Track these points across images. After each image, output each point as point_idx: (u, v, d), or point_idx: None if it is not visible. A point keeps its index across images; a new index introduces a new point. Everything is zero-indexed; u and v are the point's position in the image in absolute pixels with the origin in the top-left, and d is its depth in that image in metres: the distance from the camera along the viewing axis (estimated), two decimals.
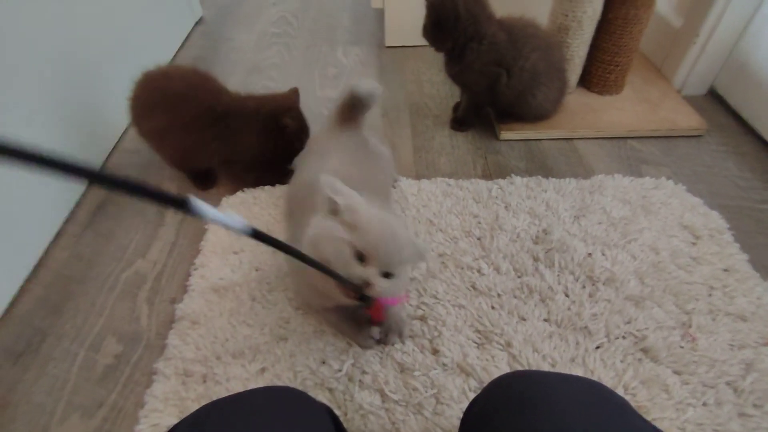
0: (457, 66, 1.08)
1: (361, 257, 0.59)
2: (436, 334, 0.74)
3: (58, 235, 0.94)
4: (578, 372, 0.70)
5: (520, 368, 0.70)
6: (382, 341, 0.73)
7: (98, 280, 0.86)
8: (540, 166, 1.08)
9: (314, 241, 0.60)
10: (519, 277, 0.82)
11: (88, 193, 1.03)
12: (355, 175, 0.76)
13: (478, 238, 0.89)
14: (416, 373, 0.69)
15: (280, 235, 0.88)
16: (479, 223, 0.92)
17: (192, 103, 0.92)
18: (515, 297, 0.79)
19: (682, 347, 0.72)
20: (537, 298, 0.79)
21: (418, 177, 1.05)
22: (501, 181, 1.01)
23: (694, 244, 0.88)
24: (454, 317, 0.76)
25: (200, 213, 0.34)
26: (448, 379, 0.69)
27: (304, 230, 0.64)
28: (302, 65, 1.50)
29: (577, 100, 1.24)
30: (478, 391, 0.57)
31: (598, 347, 0.73)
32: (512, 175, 1.03)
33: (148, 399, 0.68)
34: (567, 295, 0.79)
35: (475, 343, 0.73)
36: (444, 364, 0.71)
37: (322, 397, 0.67)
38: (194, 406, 0.65)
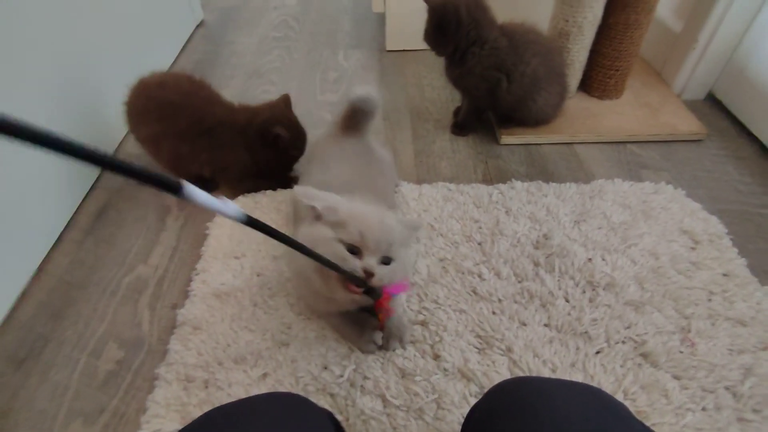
0: (457, 70, 1.08)
1: (354, 250, 0.60)
2: (437, 339, 0.74)
3: (60, 241, 0.95)
4: (578, 377, 0.70)
5: (520, 373, 0.70)
6: (384, 346, 0.73)
7: (100, 286, 0.86)
8: (540, 171, 1.09)
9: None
10: (519, 282, 0.83)
11: (90, 198, 1.04)
12: (358, 181, 0.77)
13: (479, 243, 0.89)
14: (417, 378, 0.70)
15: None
16: (480, 227, 0.92)
17: (183, 114, 0.92)
18: (516, 302, 0.80)
19: (681, 352, 0.72)
20: (537, 303, 0.79)
21: (419, 181, 1.05)
22: (502, 186, 1.01)
23: (693, 248, 0.88)
24: (455, 322, 0.77)
25: (193, 198, 0.34)
26: (449, 384, 0.69)
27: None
28: (303, 69, 1.51)
29: (577, 104, 1.24)
30: (479, 397, 0.57)
31: (598, 352, 0.73)
32: (513, 179, 1.03)
33: (150, 405, 0.68)
34: (567, 300, 0.80)
35: (476, 348, 0.74)
36: (445, 369, 0.71)
37: (323, 402, 0.67)
38: (196, 412, 0.66)
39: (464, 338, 0.74)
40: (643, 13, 1.10)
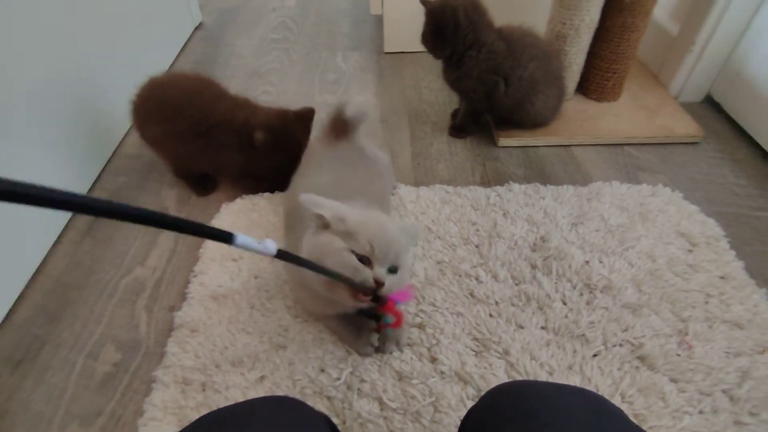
0: (455, 73, 1.09)
1: (363, 260, 0.61)
2: (434, 342, 0.74)
3: (57, 242, 0.94)
4: (576, 380, 0.70)
5: (517, 376, 0.70)
6: (380, 349, 0.73)
7: (97, 287, 0.86)
8: (538, 173, 1.09)
9: (317, 258, 0.61)
10: (517, 284, 0.83)
11: None
12: (351, 185, 0.77)
13: (476, 246, 0.90)
14: (414, 381, 0.70)
15: (279, 243, 0.89)
16: (477, 230, 0.92)
17: (186, 113, 0.92)
18: (513, 305, 0.80)
19: (678, 355, 0.73)
20: (534, 306, 0.79)
21: (416, 184, 1.05)
22: (499, 188, 1.02)
23: (690, 251, 0.88)
24: (453, 325, 0.77)
25: (241, 245, 0.37)
26: (446, 387, 0.69)
27: (301, 243, 0.66)
28: (302, 70, 1.51)
29: (575, 107, 1.24)
30: (476, 400, 0.57)
31: (595, 355, 0.73)
32: (510, 182, 1.04)
33: (147, 407, 0.68)
34: (564, 303, 0.80)
35: (473, 351, 0.74)
36: (442, 372, 0.71)
37: (320, 405, 0.67)
38: (193, 415, 0.66)
39: (461, 341, 0.74)
40: (639, 16, 1.11)
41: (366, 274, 0.60)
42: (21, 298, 0.85)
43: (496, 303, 0.80)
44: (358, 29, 1.74)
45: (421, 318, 0.78)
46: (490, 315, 0.78)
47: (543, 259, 0.86)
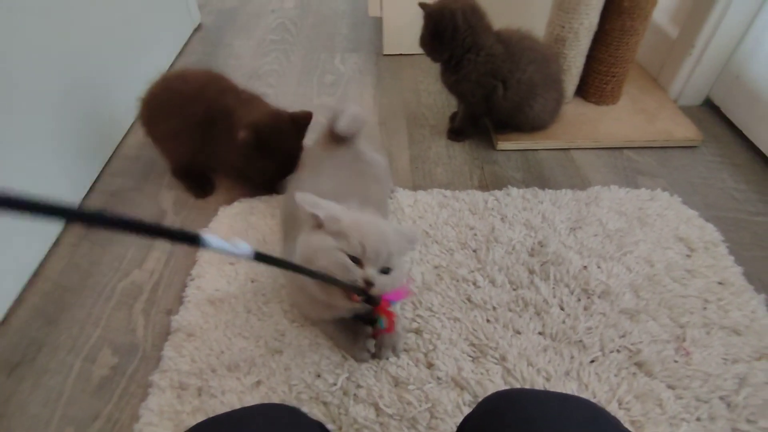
0: (453, 76, 1.08)
1: (355, 260, 0.61)
2: (431, 347, 0.74)
3: (55, 245, 0.94)
4: (573, 386, 0.70)
5: (514, 382, 0.70)
6: (377, 355, 0.73)
7: (95, 290, 0.86)
8: (537, 177, 1.09)
9: (309, 257, 0.62)
10: (514, 290, 0.83)
11: (86, 201, 1.04)
12: (348, 188, 0.77)
13: (474, 250, 0.89)
14: (411, 387, 0.69)
15: (277, 246, 0.90)
16: (475, 234, 0.92)
17: (192, 107, 0.94)
18: (510, 310, 0.79)
19: (676, 361, 0.72)
20: (532, 311, 0.79)
21: (414, 188, 1.05)
22: (497, 193, 1.01)
23: (689, 256, 0.88)
24: (449, 330, 0.77)
25: (210, 245, 0.36)
26: (442, 393, 0.69)
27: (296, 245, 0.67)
28: (300, 72, 1.51)
29: (574, 110, 1.24)
30: (473, 406, 0.57)
31: (592, 361, 0.73)
32: (509, 186, 1.03)
33: (143, 412, 0.68)
34: (562, 309, 0.80)
35: (470, 356, 0.74)
36: (438, 378, 0.71)
37: (316, 410, 0.67)
38: (189, 420, 0.66)
39: (458, 347, 0.74)
40: (638, 20, 1.11)
41: (356, 274, 0.60)
42: (18, 300, 0.85)
43: (494, 308, 0.80)
44: (357, 31, 1.74)
45: (418, 323, 0.78)
46: (488, 320, 0.78)
47: (541, 264, 0.86)
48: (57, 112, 0.97)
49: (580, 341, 0.75)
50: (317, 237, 0.63)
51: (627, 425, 0.46)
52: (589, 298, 0.81)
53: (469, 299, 0.81)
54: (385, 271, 0.63)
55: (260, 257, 0.42)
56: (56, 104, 0.96)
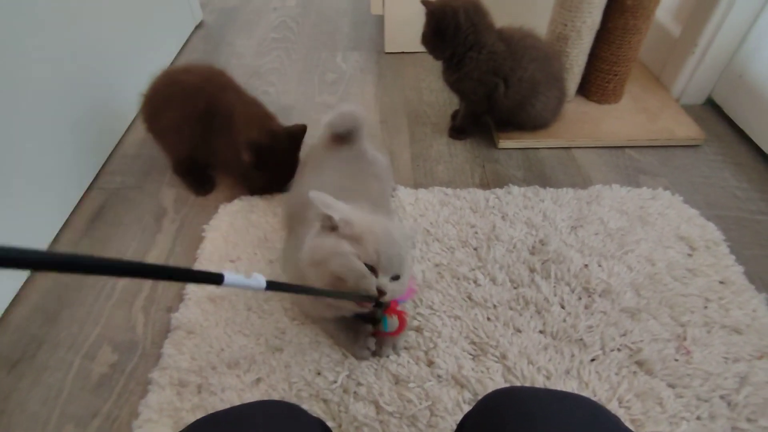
0: (455, 74, 1.08)
1: (368, 268, 0.61)
2: (431, 345, 0.74)
3: (55, 242, 0.94)
4: (573, 384, 0.70)
5: (515, 380, 0.70)
6: (377, 353, 0.73)
7: (95, 288, 0.86)
8: (538, 175, 1.08)
9: (320, 259, 0.62)
10: (515, 288, 0.83)
11: (86, 199, 1.04)
12: (351, 187, 0.77)
13: (475, 249, 0.89)
14: (411, 385, 0.69)
15: (278, 244, 0.89)
16: (476, 233, 0.92)
17: (194, 99, 0.95)
18: (511, 308, 0.79)
19: (676, 360, 0.72)
20: (533, 310, 0.79)
21: (415, 186, 1.05)
22: (498, 191, 1.01)
23: (690, 255, 0.88)
24: (450, 328, 0.76)
25: (232, 283, 0.38)
26: (442, 390, 0.69)
27: (302, 243, 0.66)
28: (302, 70, 1.50)
29: (575, 109, 1.24)
30: (473, 404, 0.57)
31: (593, 360, 0.73)
32: (510, 184, 1.03)
33: (143, 409, 0.68)
34: (563, 307, 0.79)
35: (471, 354, 0.73)
36: (439, 376, 0.71)
37: (317, 408, 0.67)
38: (189, 417, 0.66)
39: (459, 345, 0.74)
40: (641, 18, 1.10)
41: (371, 283, 0.60)
42: (18, 297, 0.84)
43: (494, 306, 0.79)
44: (359, 29, 1.74)
45: (419, 321, 0.78)
46: (488, 318, 0.78)
47: (542, 263, 0.86)
48: (56, 109, 0.96)
49: (581, 340, 0.75)
50: (331, 241, 0.62)
51: (627, 424, 0.45)
52: (590, 296, 0.81)
53: (469, 297, 0.81)
54: (395, 277, 0.63)
55: (272, 286, 0.44)
56: (55, 101, 0.96)
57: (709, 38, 1.18)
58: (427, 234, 0.92)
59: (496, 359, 0.73)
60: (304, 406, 0.67)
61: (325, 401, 0.68)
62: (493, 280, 0.83)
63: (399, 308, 0.69)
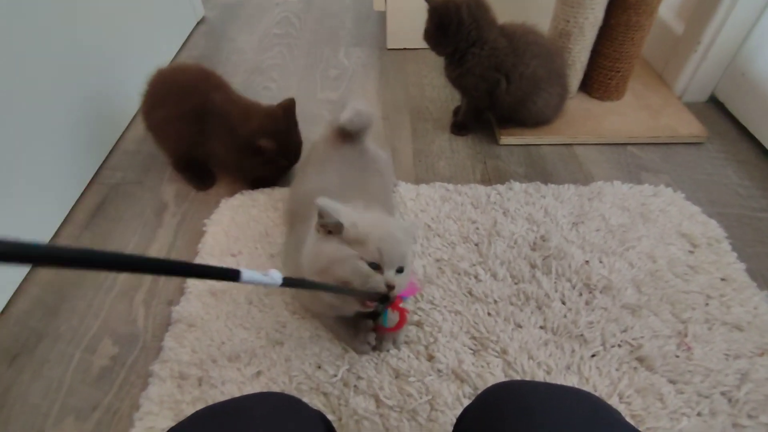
0: (457, 70, 1.08)
1: (373, 266, 0.61)
2: (431, 340, 0.74)
3: (56, 236, 0.94)
4: (573, 380, 0.70)
5: (515, 375, 0.70)
6: (377, 347, 0.73)
7: (95, 282, 0.86)
8: (539, 172, 1.08)
9: (324, 267, 0.62)
10: (516, 283, 0.82)
11: (87, 193, 1.04)
12: (354, 184, 0.77)
13: (476, 244, 0.89)
14: (411, 379, 0.69)
15: (279, 239, 0.89)
16: (477, 228, 0.92)
17: (187, 98, 0.95)
18: (512, 304, 0.79)
19: (677, 356, 0.72)
20: (533, 305, 0.79)
21: (417, 181, 1.05)
22: (500, 187, 1.01)
23: (691, 252, 0.88)
24: (450, 323, 0.76)
25: (248, 280, 0.37)
26: (442, 385, 0.69)
27: (304, 239, 0.67)
28: (304, 66, 1.50)
29: (577, 105, 1.23)
30: (473, 398, 0.57)
31: (593, 355, 0.73)
32: (511, 180, 1.03)
33: (143, 402, 0.68)
34: (563, 303, 0.79)
35: (471, 349, 0.73)
36: (439, 371, 0.71)
37: (317, 401, 0.67)
38: (189, 409, 0.66)
39: (459, 339, 0.74)
40: (644, 15, 1.10)
41: (378, 281, 0.60)
42: (19, 290, 0.85)
43: (495, 302, 0.79)
44: (361, 25, 1.74)
45: (419, 316, 0.78)
46: (489, 314, 0.78)
47: (543, 259, 0.86)
48: (57, 104, 0.97)
49: (582, 335, 0.75)
50: (331, 246, 0.62)
51: (628, 419, 0.46)
52: (590, 292, 0.81)
53: (470, 292, 0.81)
54: (400, 270, 0.63)
55: (288, 283, 0.43)
56: (56, 97, 0.96)
57: (712, 35, 1.18)
58: (428, 229, 0.92)
59: (496, 354, 0.73)
60: (305, 399, 0.66)
61: (325, 394, 0.68)
62: (494, 276, 0.83)
63: (400, 304, 0.69)
